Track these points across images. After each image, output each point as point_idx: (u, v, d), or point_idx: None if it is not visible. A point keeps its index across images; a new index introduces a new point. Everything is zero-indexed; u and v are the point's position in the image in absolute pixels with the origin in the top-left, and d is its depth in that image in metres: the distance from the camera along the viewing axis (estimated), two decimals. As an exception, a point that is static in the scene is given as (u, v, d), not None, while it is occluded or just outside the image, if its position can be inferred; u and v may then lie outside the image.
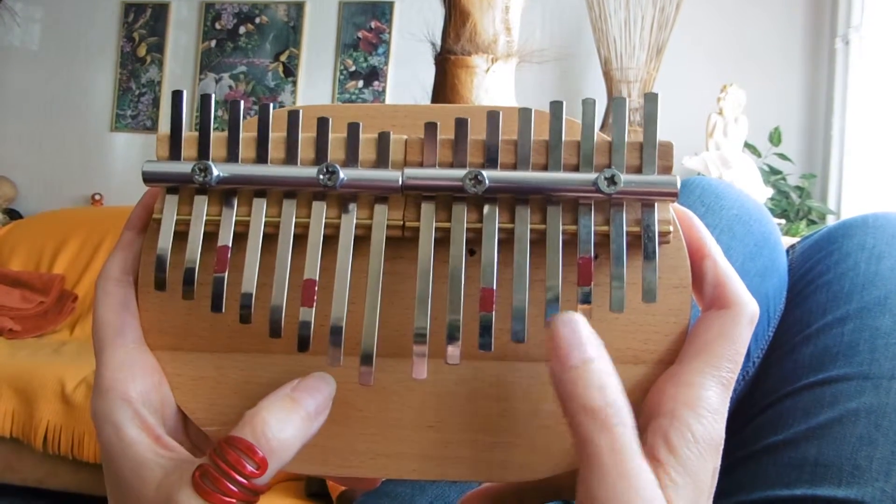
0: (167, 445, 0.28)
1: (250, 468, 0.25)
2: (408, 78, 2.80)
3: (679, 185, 0.28)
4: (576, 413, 0.25)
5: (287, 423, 0.26)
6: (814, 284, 0.51)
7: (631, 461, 0.24)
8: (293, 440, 0.26)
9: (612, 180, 0.28)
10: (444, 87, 1.59)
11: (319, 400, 0.27)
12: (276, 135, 0.29)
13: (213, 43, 3.03)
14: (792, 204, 2.30)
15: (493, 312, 0.27)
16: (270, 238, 0.29)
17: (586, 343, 0.26)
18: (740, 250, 0.49)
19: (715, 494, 0.27)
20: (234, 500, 0.25)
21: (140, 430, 0.28)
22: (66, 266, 2.60)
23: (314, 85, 2.95)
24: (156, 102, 3.06)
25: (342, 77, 2.92)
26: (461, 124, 0.28)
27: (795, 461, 0.43)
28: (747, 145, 2.28)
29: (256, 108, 0.29)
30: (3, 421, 1.89)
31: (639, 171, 0.28)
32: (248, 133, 0.29)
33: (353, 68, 2.91)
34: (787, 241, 0.55)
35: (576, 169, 0.28)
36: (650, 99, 0.28)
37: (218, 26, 3.03)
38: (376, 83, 2.89)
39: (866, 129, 2.30)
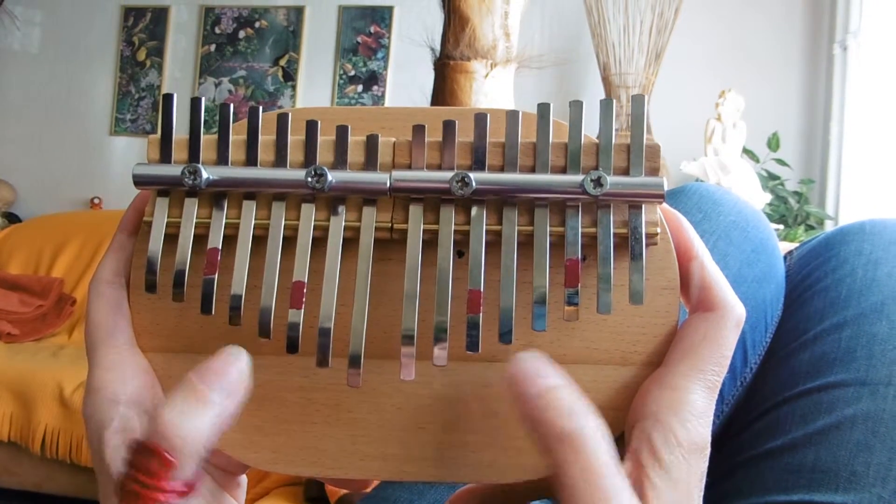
0: None
1: (162, 471, 0.24)
2: (407, 82, 2.81)
3: (666, 187, 0.28)
4: (546, 440, 0.25)
5: (189, 416, 0.25)
6: (811, 290, 0.51)
7: (605, 480, 0.24)
8: (201, 429, 0.25)
9: (598, 182, 0.28)
10: (444, 92, 1.60)
11: (226, 383, 0.26)
12: (266, 137, 0.29)
13: (213, 47, 3.03)
14: (790, 209, 2.30)
15: (481, 314, 0.27)
16: (260, 240, 0.29)
17: (549, 373, 0.26)
18: (738, 256, 0.49)
19: (713, 499, 0.27)
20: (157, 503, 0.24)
21: (115, 434, 0.28)
22: (64, 269, 2.61)
23: (313, 89, 2.96)
24: (155, 106, 3.07)
25: (342, 81, 2.92)
26: (448, 126, 0.29)
27: (793, 467, 0.43)
28: (745, 151, 2.29)
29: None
30: (1, 425, 1.89)
31: (626, 172, 0.28)
32: (237, 136, 0.30)
33: (352, 73, 2.92)
34: (786, 246, 0.55)
35: (563, 171, 0.28)
36: (637, 101, 0.28)
37: (218, 30, 3.04)
38: (375, 88, 2.90)
39: (864, 134, 2.30)
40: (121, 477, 0.25)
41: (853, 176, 2.33)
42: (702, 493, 0.26)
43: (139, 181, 0.29)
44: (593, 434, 0.25)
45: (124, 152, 3.10)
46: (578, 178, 0.28)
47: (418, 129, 0.29)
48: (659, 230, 0.29)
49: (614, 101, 0.29)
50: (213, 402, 0.26)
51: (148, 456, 0.25)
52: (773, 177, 2.35)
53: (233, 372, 0.26)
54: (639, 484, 0.25)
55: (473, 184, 0.28)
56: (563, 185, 0.28)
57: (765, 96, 2.45)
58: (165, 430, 0.25)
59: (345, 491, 1.27)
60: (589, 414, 0.25)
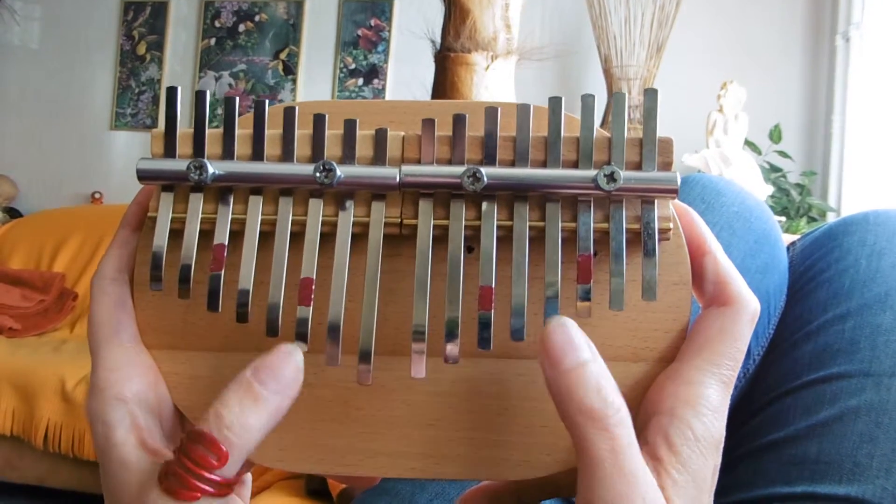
0: (152, 449, 0.27)
1: (212, 461, 0.25)
2: (408, 76, 2.80)
3: (679, 182, 0.28)
4: (573, 416, 0.25)
5: (246, 411, 0.25)
6: (814, 281, 0.51)
7: (631, 462, 0.24)
8: (255, 427, 0.25)
9: (611, 177, 0.27)
10: (444, 84, 1.59)
11: (282, 380, 0.26)
12: (272, 132, 0.29)
13: (213, 41, 3.03)
14: (792, 201, 2.30)
15: (492, 310, 0.27)
16: (267, 236, 0.29)
17: (580, 346, 0.26)
18: (741, 247, 0.49)
19: (716, 492, 0.27)
20: (199, 495, 0.25)
21: (128, 432, 0.27)
22: (66, 264, 2.61)
23: (314, 83, 2.95)
24: (155, 101, 3.06)
25: (342, 75, 2.92)
26: (459, 120, 0.28)
27: (796, 458, 0.43)
28: (747, 143, 2.28)
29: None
30: (3, 419, 1.90)
31: (638, 167, 0.28)
32: (243, 130, 0.29)
33: (352, 66, 2.91)
34: (788, 238, 0.55)
35: (575, 165, 0.28)
36: (650, 94, 0.28)
37: (217, 24, 3.03)
38: (376, 81, 2.89)
39: (866, 126, 2.30)
40: (166, 463, 0.25)
41: (855, 168, 2.33)
42: (714, 487, 0.26)
43: (144, 176, 0.29)
44: (619, 414, 0.25)
45: (125, 147, 3.10)
46: (591, 172, 0.28)
47: (428, 123, 0.28)
48: (671, 225, 0.28)
49: (626, 95, 0.28)
50: (267, 400, 0.26)
51: (200, 444, 0.25)
52: (775, 169, 2.35)
53: (288, 370, 0.26)
54: (658, 478, 0.25)
55: (485, 179, 0.27)
56: (576, 180, 0.28)
57: (767, 88, 2.44)
58: (222, 423, 0.25)
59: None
60: (615, 392, 0.25)
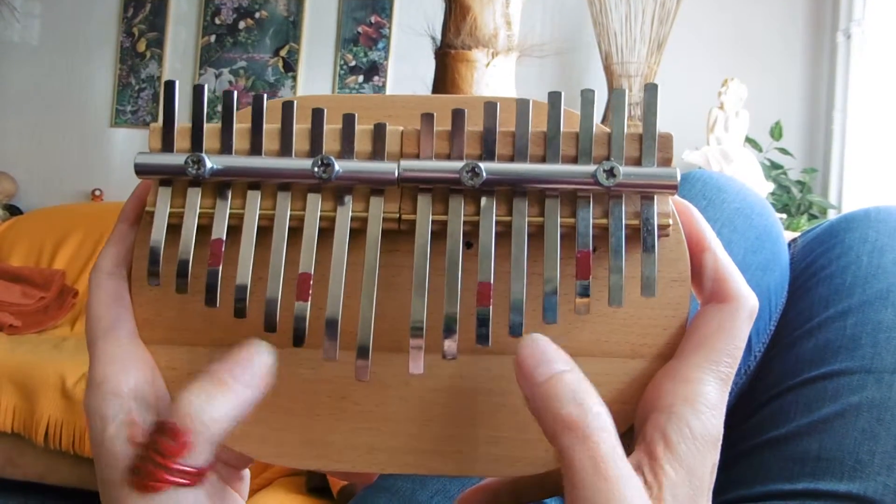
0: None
1: (176, 450, 0.25)
2: (408, 73, 2.80)
3: (679, 178, 0.28)
4: (553, 427, 0.25)
5: (211, 401, 0.25)
6: (816, 278, 0.51)
7: (614, 468, 0.24)
8: (220, 417, 0.25)
9: (610, 172, 0.27)
10: (445, 81, 1.59)
11: (249, 373, 0.26)
12: (271, 126, 0.29)
13: (213, 38, 3.02)
14: (793, 198, 2.30)
15: (491, 306, 0.27)
16: (265, 231, 0.28)
17: (553, 358, 0.26)
18: (742, 244, 0.49)
19: (716, 489, 0.27)
20: (165, 486, 0.25)
21: (121, 427, 0.27)
22: (66, 262, 2.61)
23: (314, 80, 2.94)
24: (156, 98, 3.06)
25: (342, 72, 2.91)
26: (458, 115, 0.28)
27: (797, 455, 0.43)
28: (748, 140, 2.28)
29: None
30: (4, 416, 1.90)
31: (638, 162, 0.28)
32: (241, 124, 0.29)
33: (353, 63, 2.91)
34: (789, 235, 0.55)
35: (574, 161, 0.28)
36: (650, 90, 0.28)
37: (218, 21, 3.02)
38: (376, 78, 2.88)
39: (867, 123, 2.30)
40: (133, 458, 0.26)
41: (856, 165, 2.32)
42: (713, 484, 0.26)
43: (141, 170, 0.29)
44: (599, 419, 0.25)
45: (125, 144, 3.10)
46: (591, 168, 0.27)
47: (427, 118, 0.28)
48: (671, 222, 0.28)
49: (626, 91, 0.28)
50: (233, 390, 0.26)
51: (165, 436, 0.25)
52: (775, 166, 2.35)
53: (256, 364, 0.27)
54: (653, 475, 0.25)
55: (484, 174, 0.27)
56: (575, 176, 0.27)
57: (767, 85, 2.44)
58: (185, 412, 0.25)
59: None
60: (594, 399, 0.25)
